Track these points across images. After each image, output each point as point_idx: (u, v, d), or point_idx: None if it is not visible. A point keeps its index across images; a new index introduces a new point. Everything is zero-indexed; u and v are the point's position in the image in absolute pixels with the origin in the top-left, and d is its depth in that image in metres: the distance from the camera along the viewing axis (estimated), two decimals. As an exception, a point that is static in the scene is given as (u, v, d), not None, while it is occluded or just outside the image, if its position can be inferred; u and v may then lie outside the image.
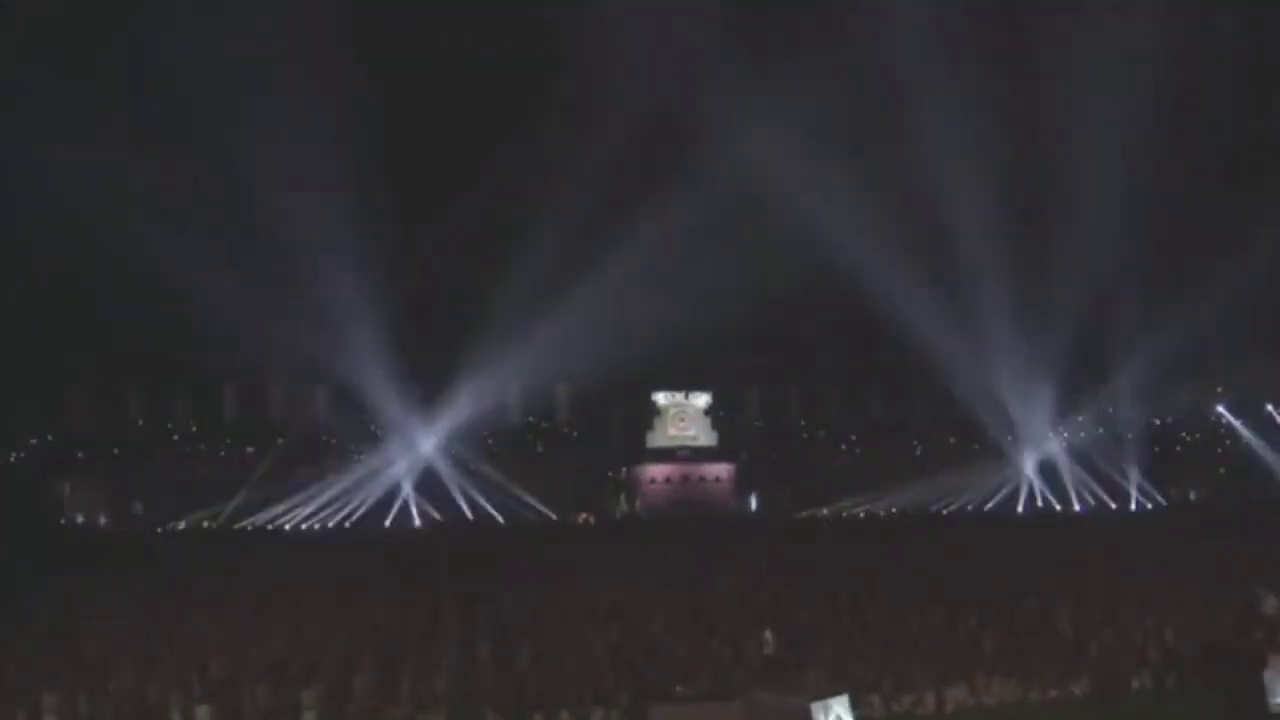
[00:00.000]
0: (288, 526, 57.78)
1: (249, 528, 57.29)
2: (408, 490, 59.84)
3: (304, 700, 21.48)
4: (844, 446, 71.17)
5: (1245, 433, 70.72)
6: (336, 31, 49.02)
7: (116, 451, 62.40)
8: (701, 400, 68.32)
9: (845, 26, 51.67)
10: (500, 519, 60.09)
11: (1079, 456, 67.13)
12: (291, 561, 40.14)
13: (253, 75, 49.34)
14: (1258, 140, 59.07)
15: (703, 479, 67.24)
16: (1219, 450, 71.93)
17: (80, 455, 62.06)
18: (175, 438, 64.71)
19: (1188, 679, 23.49)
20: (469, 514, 60.02)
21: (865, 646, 25.12)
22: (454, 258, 60.11)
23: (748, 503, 67.58)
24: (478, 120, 60.33)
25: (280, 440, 63.26)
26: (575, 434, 68.57)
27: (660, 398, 67.93)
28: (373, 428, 63.31)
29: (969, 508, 63.89)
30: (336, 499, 58.47)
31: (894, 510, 63.23)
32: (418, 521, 59.35)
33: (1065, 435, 69.35)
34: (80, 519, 60.44)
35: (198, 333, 54.89)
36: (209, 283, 51.97)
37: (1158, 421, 71.27)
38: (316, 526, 57.81)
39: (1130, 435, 68.61)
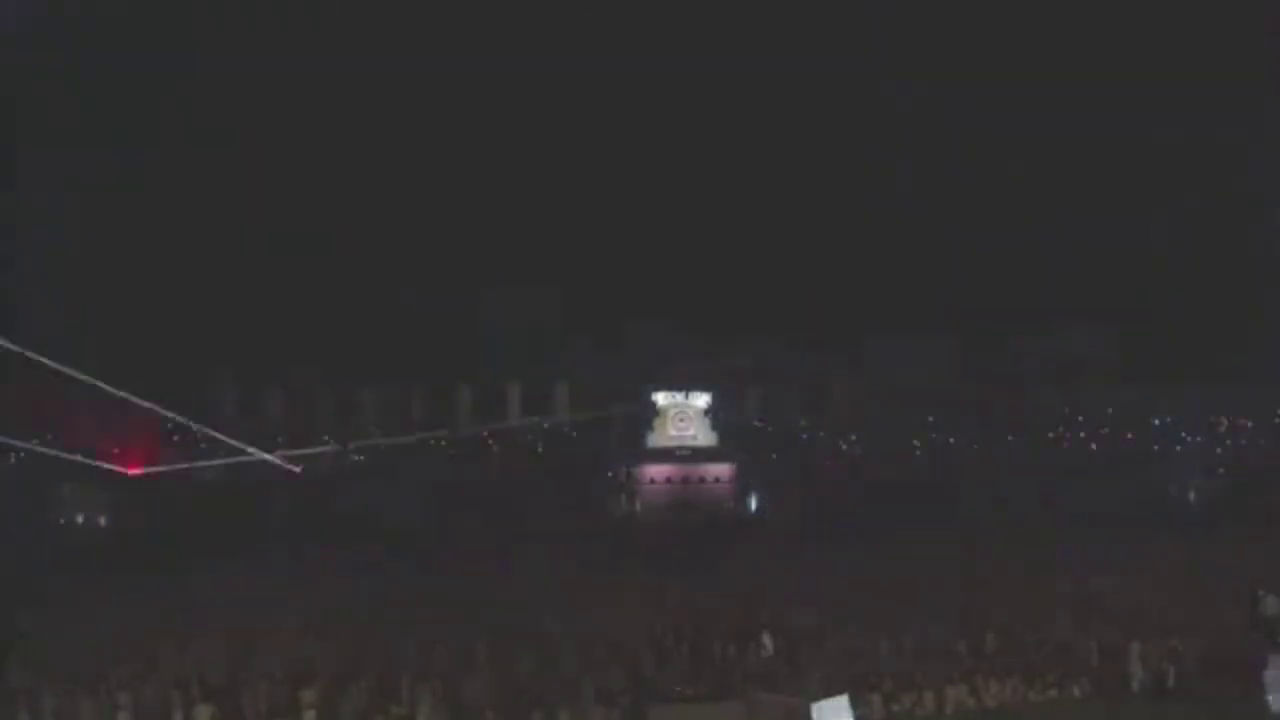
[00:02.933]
0: None
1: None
2: None
3: (304, 700, 21.45)
4: (844, 446, 71.19)
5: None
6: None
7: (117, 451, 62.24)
8: (701, 400, 68.23)
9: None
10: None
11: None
12: (291, 561, 40.12)
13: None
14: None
15: (703, 479, 67.16)
16: (1219, 450, 71.98)
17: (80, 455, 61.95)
18: (175, 438, 64.59)
19: (1188, 679, 23.47)
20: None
21: (865, 646, 25.13)
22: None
23: (748, 503, 67.54)
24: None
25: (279, 439, 63.24)
26: (575, 434, 68.57)
27: (660, 398, 67.85)
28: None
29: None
30: None
31: None
32: None
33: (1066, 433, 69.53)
34: (80, 519, 60.40)
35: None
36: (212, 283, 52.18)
37: (1157, 422, 71.38)
38: None
39: (1130, 435, 68.76)
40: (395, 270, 60.86)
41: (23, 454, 60.91)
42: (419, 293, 62.29)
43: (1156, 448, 70.69)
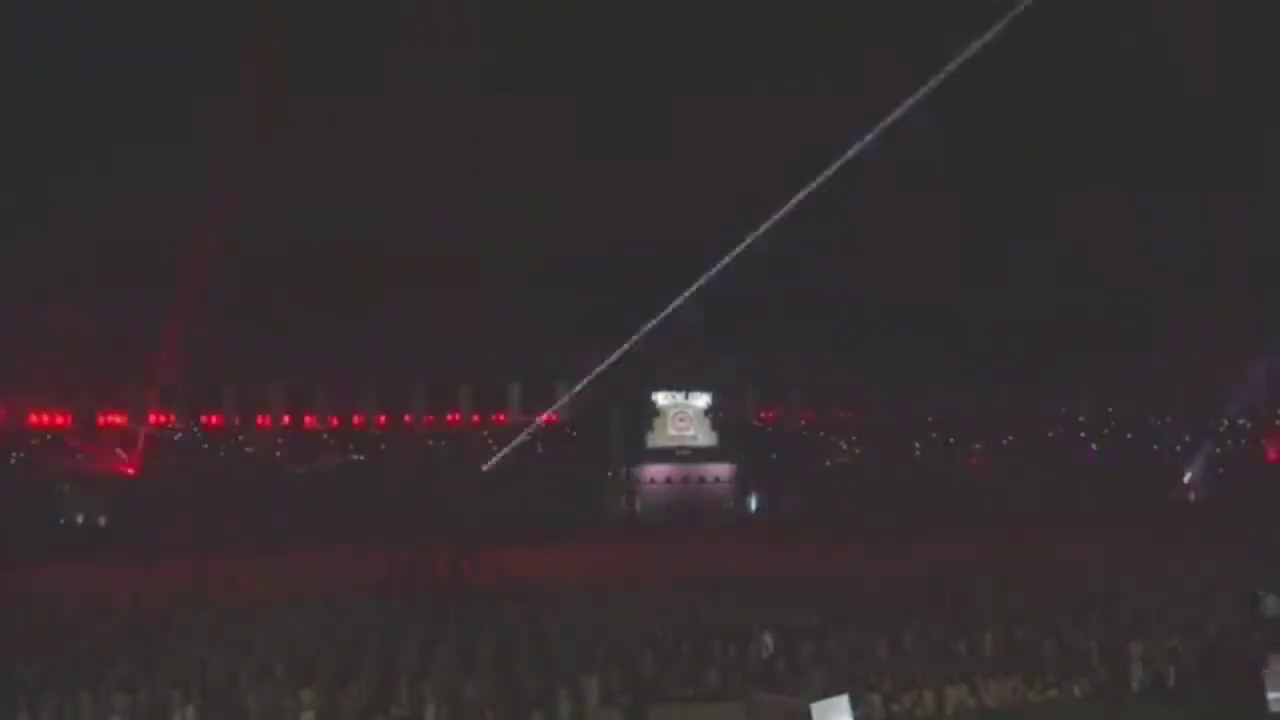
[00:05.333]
0: None
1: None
2: None
3: (303, 700, 21.45)
4: (844, 446, 71.19)
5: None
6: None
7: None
8: (701, 400, 68.23)
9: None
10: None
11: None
12: (291, 558, 40.19)
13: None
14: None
15: (703, 479, 67.22)
16: (1219, 450, 71.98)
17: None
18: (177, 437, 64.75)
19: (1188, 679, 23.48)
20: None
21: (865, 646, 25.14)
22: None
23: (748, 503, 67.60)
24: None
25: (280, 439, 63.51)
26: (575, 434, 68.51)
27: (660, 398, 67.84)
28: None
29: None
30: None
31: None
32: None
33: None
34: (80, 519, 60.44)
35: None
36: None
37: (1157, 422, 71.40)
38: None
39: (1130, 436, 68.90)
40: (394, 269, 60.85)
41: (23, 453, 61.13)
42: (418, 292, 62.24)
43: (1156, 447, 70.78)
